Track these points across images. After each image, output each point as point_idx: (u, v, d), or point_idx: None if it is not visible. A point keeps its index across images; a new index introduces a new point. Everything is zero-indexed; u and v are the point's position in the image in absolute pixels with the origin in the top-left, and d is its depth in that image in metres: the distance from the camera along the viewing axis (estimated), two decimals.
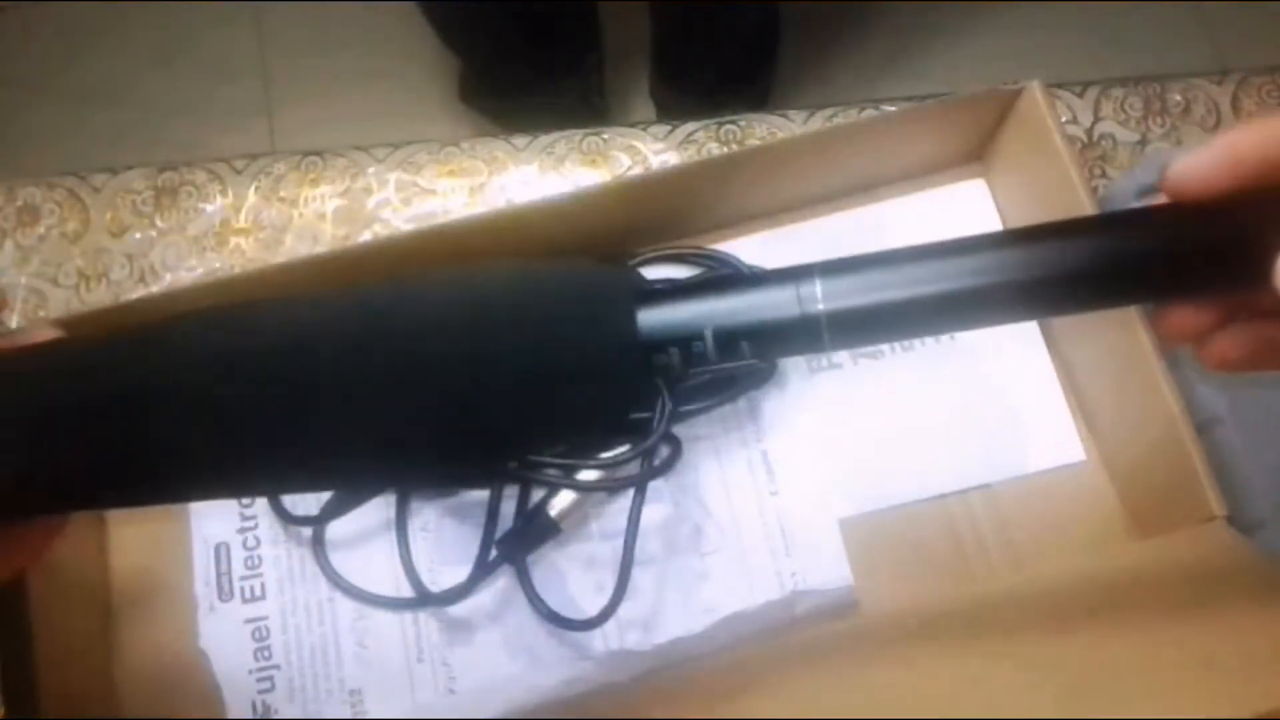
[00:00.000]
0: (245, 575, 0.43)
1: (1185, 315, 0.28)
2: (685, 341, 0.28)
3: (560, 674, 0.41)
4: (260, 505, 0.43)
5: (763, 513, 0.43)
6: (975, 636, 0.38)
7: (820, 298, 0.26)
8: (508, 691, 0.41)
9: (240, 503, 0.43)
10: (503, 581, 0.42)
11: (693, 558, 0.42)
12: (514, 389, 0.26)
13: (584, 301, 0.28)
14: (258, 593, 0.42)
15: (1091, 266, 0.26)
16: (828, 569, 0.42)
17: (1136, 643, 0.32)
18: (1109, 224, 0.28)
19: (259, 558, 0.43)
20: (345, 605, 0.42)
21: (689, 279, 0.39)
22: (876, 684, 0.34)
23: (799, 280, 0.27)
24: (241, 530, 0.43)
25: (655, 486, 0.42)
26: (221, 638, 0.42)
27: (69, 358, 0.26)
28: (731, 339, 0.27)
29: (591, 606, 0.40)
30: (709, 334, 0.27)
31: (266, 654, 0.42)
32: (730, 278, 0.30)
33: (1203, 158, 0.26)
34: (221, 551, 0.43)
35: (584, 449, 0.29)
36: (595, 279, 0.29)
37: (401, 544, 0.42)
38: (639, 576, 0.41)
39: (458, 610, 0.42)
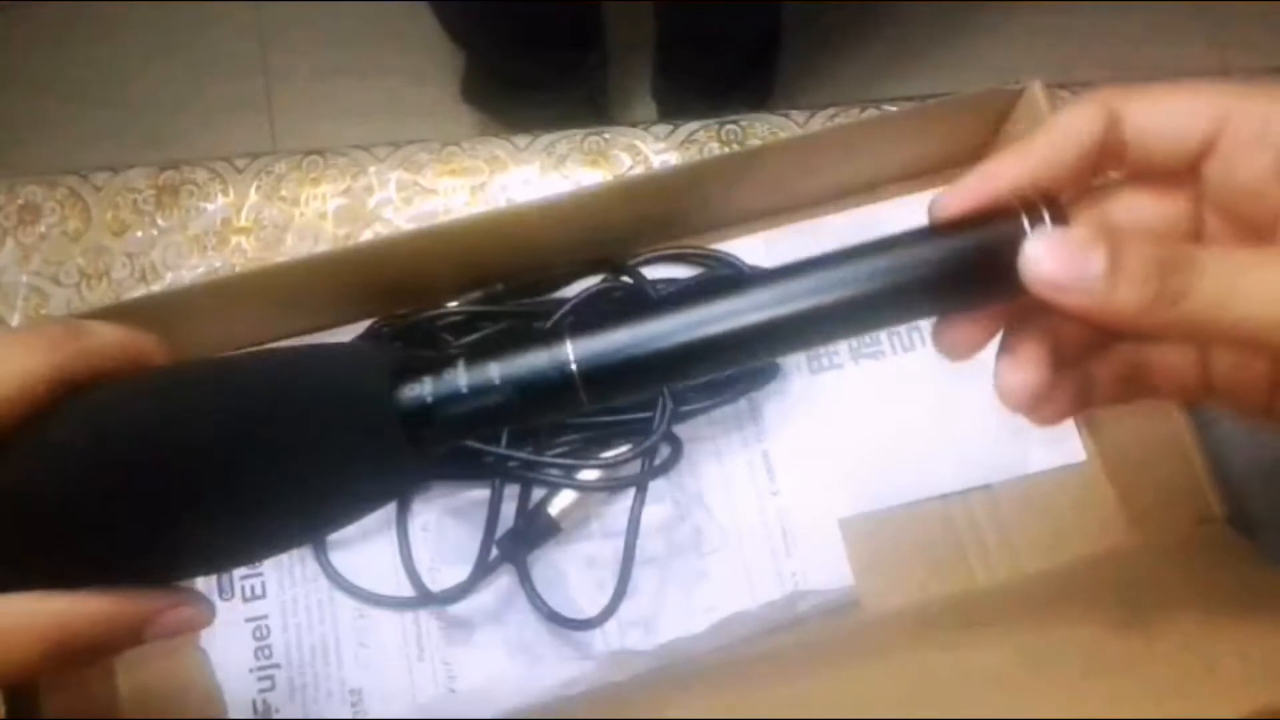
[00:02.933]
0: (245, 574, 0.43)
1: (961, 328, 0.29)
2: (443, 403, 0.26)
3: (560, 674, 0.41)
4: None
5: (763, 513, 0.43)
6: (975, 636, 0.38)
7: (572, 358, 0.26)
8: (508, 691, 0.41)
9: None
10: (503, 581, 0.42)
11: (693, 558, 0.42)
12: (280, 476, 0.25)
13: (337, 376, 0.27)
14: (258, 591, 0.43)
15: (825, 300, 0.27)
16: (828, 569, 0.42)
17: (1136, 643, 0.32)
18: (841, 257, 0.28)
19: None
20: (346, 604, 0.42)
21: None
22: (876, 684, 0.34)
23: (551, 341, 0.26)
24: None
25: (656, 486, 0.42)
26: (222, 637, 0.42)
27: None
28: (485, 379, 0.26)
29: (592, 606, 0.41)
30: (462, 363, 0.26)
31: (267, 653, 0.42)
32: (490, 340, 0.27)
33: (963, 193, 0.26)
34: None
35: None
36: (348, 355, 0.28)
37: (402, 543, 0.42)
38: (640, 576, 0.41)
39: (458, 610, 0.42)
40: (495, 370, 0.26)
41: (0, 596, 0.24)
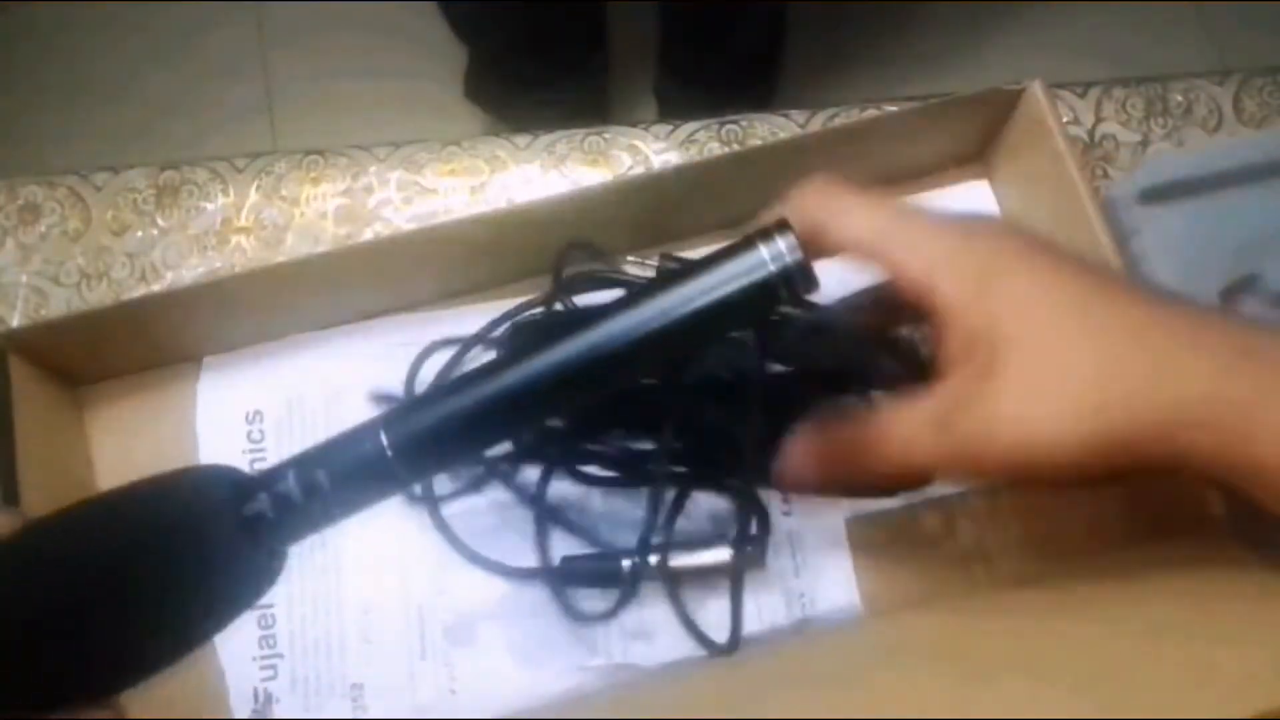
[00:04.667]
0: None
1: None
2: (270, 484, 0.29)
3: (561, 683, 0.41)
4: None
5: (775, 532, 0.42)
6: (975, 637, 0.38)
7: (386, 443, 0.29)
8: (508, 696, 0.41)
9: None
10: (509, 586, 0.42)
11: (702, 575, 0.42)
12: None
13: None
14: None
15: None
16: (837, 593, 0.42)
17: (1137, 643, 0.32)
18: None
19: None
20: (352, 599, 0.42)
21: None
22: (877, 685, 0.34)
23: (368, 435, 0.29)
24: None
25: None
26: None
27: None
28: (314, 482, 0.29)
29: None
30: (292, 474, 0.29)
31: (271, 642, 0.42)
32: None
33: None
34: None
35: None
36: (193, 488, 0.30)
37: (540, 522, 0.42)
38: (648, 590, 0.41)
39: (463, 612, 0.42)
40: (322, 475, 0.29)
41: None
